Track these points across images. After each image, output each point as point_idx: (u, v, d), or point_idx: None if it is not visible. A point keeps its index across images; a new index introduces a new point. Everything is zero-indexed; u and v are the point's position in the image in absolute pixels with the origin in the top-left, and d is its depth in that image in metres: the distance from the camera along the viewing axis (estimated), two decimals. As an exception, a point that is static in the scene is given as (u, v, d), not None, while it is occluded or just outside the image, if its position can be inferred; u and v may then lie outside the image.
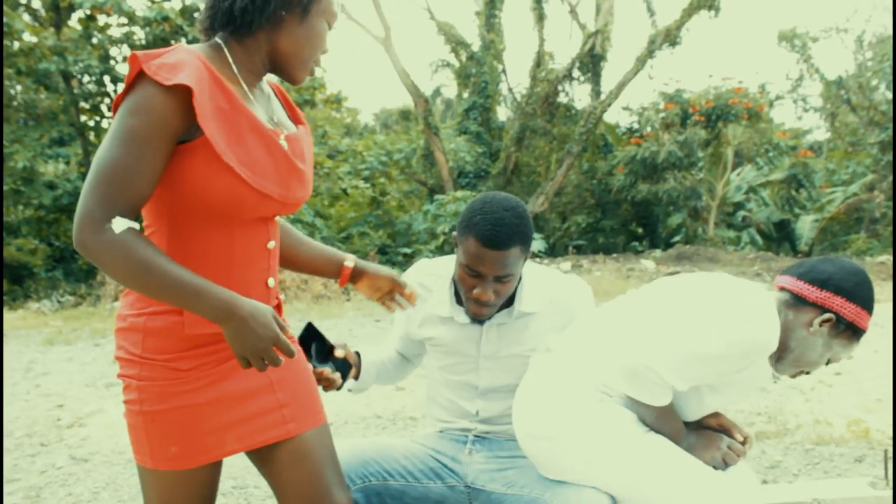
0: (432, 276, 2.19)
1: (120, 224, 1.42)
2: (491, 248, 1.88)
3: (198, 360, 1.56)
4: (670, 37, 17.67)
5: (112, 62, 15.23)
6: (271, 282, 1.68)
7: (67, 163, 14.57)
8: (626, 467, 1.84)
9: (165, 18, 13.98)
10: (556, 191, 18.37)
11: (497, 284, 1.95)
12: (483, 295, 1.95)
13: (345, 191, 19.27)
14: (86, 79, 15.48)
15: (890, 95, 20.59)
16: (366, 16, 58.27)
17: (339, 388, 2.08)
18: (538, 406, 1.94)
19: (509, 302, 2.09)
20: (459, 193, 15.96)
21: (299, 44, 1.58)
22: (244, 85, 1.57)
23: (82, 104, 15.40)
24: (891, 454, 2.69)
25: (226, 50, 1.56)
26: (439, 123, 19.71)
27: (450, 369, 2.20)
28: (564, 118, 19.60)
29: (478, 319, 2.07)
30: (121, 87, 14.79)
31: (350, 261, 1.96)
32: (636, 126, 19.46)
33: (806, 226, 18.11)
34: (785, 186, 18.75)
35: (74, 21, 15.76)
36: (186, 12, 14.50)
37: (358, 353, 2.19)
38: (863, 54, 25.41)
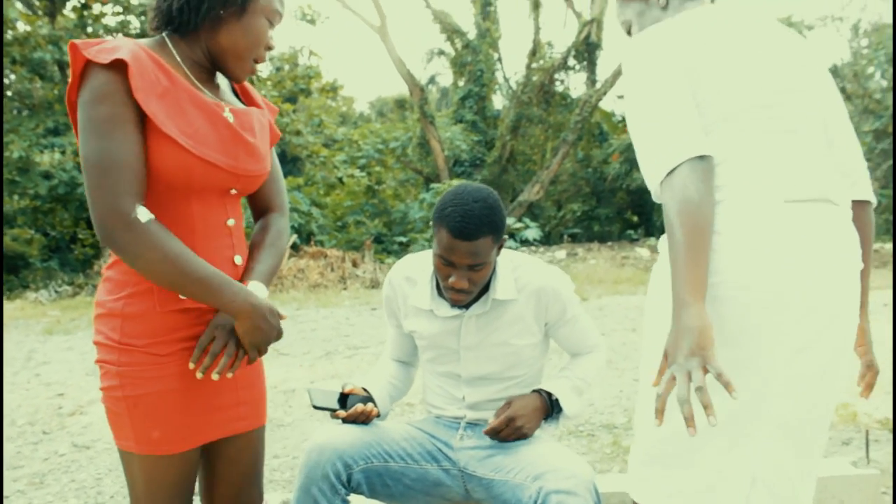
0: (417, 269, 2.25)
1: (144, 214, 1.50)
2: (461, 239, 1.94)
3: (175, 346, 1.61)
4: (665, 25, 17.66)
5: (107, 51, 15.25)
6: (238, 259, 1.72)
7: (63, 152, 14.56)
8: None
9: (160, 8, 13.95)
10: (551, 179, 18.43)
11: (470, 272, 2.01)
12: (457, 283, 2.01)
13: (340, 179, 19.31)
14: (81, 68, 15.47)
15: (885, 84, 20.68)
16: (361, 4, 58.06)
17: (379, 416, 2.21)
18: None
19: (486, 289, 2.15)
20: (455, 182, 16.01)
21: (237, 41, 1.64)
22: (189, 74, 1.64)
23: (78, 94, 15.40)
24: (871, 436, 2.75)
25: (169, 43, 1.64)
26: (435, 112, 19.74)
27: (435, 361, 2.28)
28: (560, 106, 19.64)
29: (458, 306, 2.13)
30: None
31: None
32: (631, 114, 19.46)
33: (800, 213, 18.19)
34: (779, 174, 18.79)
35: (69, 10, 15.76)
36: (181, 1, 14.48)
37: (365, 389, 2.25)
38: (858, 42, 25.46)
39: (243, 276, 1.72)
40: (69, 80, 1.54)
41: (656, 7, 1.77)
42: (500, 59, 20.44)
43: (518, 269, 2.17)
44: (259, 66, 1.74)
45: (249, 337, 1.61)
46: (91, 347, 7.32)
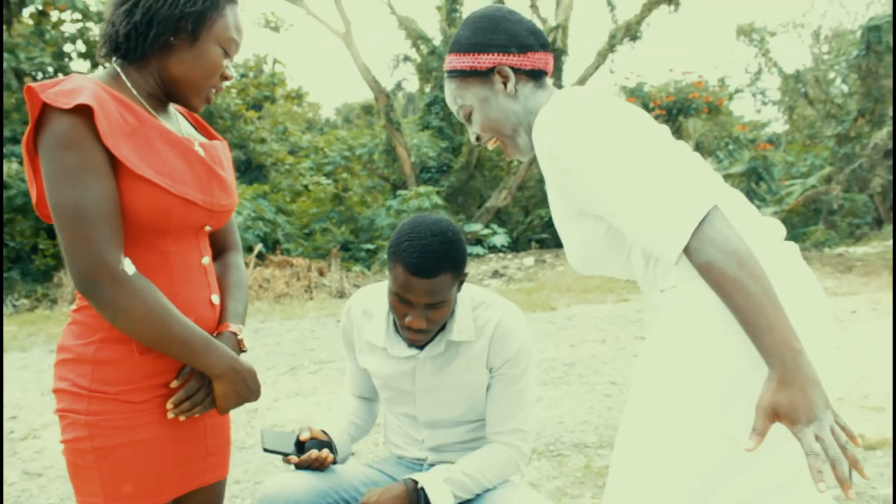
0: (375, 302, 2.12)
1: (129, 266, 1.43)
2: (418, 276, 1.81)
3: (150, 393, 1.53)
4: (631, 31, 17.78)
5: (66, 59, 14.94)
6: (215, 298, 1.66)
7: (21, 162, 14.24)
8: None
9: (120, 14, 13.67)
10: (518, 185, 18.38)
11: (429, 311, 1.88)
12: (415, 322, 1.88)
13: (306, 187, 19.12)
14: (39, 76, 15.15)
15: (846, 89, 20.92)
16: (326, 11, 57.89)
17: (335, 462, 2.07)
18: None
19: (442, 328, 2.02)
20: (422, 189, 15.95)
21: (190, 70, 1.56)
22: (146, 105, 1.57)
23: (36, 102, 15.06)
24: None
25: (122, 75, 1.56)
26: (401, 118, 19.60)
27: (392, 401, 2.16)
28: (526, 112, 19.59)
29: (415, 346, 2.00)
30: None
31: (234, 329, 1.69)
32: (597, 120, 19.52)
33: (765, 218, 18.30)
34: (745, 179, 18.95)
35: (26, 16, 15.41)
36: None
37: (325, 432, 2.11)
38: (819, 48, 25.75)
39: (221, 318, 1.67)
40: (28, 124, 1.46)
41: (502, 94, 1.65)
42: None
43: (479, 307, 2.04)
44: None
45: (226, 401, 1.57)
46: (47, 366, 7.08)
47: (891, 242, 15.72)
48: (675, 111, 17.27)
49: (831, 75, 22.88)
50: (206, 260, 1.66)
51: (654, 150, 1.41)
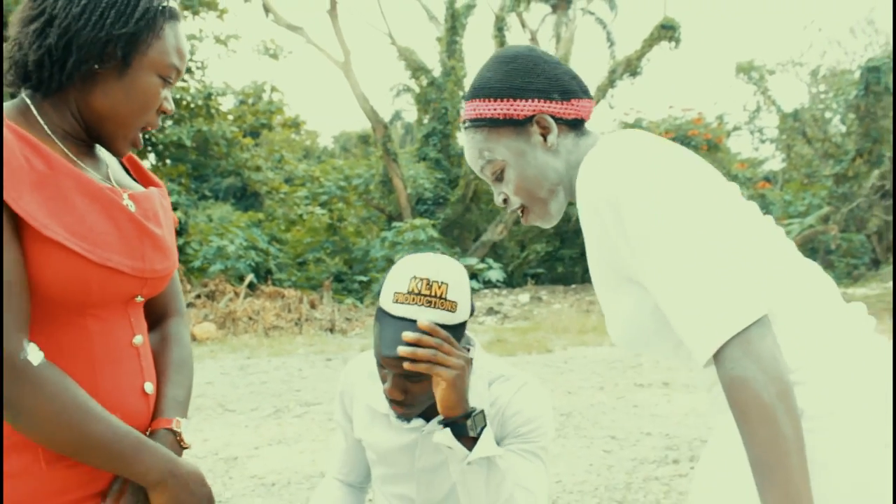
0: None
1: (35, 354, 1.14)
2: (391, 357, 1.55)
3: None
4: (631, 67, 17.76)
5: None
6: (149, 387, 1.35)
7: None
8: None
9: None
10: (514, 219, 18.22)
11: (406, 382, 1.59)
12: (390, 391, 1.61)
13: (301, 216, 18.96)
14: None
15: (843, 129, 20.91)
16: (326, 39, 58.25)
17: None
18: None
19: None
20: (418, 221, 15.82)
21: (119, 105, 1.27)
22: (63, 147, 1.27)
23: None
24: None
25: (32, 108, 1.25)
26: (398, 149, 19.48)
27: (386, 481, 1.87)
28: (524, 146, 19.54)
29: (403, 418, 1.72)
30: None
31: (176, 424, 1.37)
32: (596, 155, 19.46)
33: (763, 257, 18.18)
34: (743, 217, 18.83)
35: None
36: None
37: None
38: (817, 88, 25.78)
39: (157, 410, 1.35)
40: None
41: (541, 148, 1.42)
42: (464, 97, 20.31)
43: (497, 380, 1.76)
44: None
45: None
46: None
47: (890, 284, 15.57)
48: (673, 148, 17.21)
49: (829, 115, 22.88)
50: (140, 339, 1.35)
51: (713, 224, 1.19)
